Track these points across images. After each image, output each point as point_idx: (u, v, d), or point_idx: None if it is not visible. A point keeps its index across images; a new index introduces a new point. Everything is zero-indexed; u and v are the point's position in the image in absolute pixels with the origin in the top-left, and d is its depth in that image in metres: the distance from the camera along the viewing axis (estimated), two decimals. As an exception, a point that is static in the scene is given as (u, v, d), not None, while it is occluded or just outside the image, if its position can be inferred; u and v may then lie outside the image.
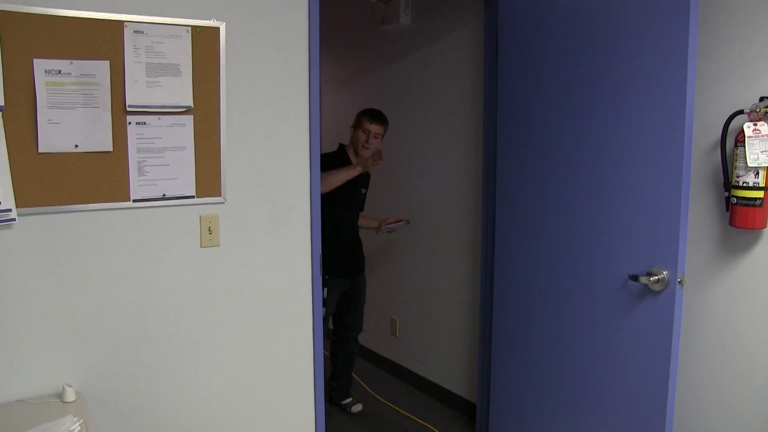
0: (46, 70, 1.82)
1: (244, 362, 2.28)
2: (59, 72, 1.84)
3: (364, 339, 3.93)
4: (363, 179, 3.51)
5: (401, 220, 3.57)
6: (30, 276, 1.88)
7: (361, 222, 3.57)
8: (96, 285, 1.98)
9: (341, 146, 3.43)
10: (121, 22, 1.91)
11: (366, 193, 3.54)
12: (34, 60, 1.80)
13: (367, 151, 3.35)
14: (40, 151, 1.84)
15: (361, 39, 4.30)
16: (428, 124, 3.74)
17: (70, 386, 1.87)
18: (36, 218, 1.87)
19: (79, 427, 1.66)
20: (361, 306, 3.62)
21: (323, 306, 3.28)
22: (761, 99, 2.15)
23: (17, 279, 1.86)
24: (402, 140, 3.93)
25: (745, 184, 2.13)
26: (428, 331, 3.88)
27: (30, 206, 1.85)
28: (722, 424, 2.37)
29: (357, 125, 3.37)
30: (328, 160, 3.28)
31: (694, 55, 2.05)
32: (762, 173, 2.11)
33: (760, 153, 2.09)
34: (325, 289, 3.27)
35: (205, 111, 2.08)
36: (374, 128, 3.32)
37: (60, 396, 1.87)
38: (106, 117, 1.92)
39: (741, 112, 2.17)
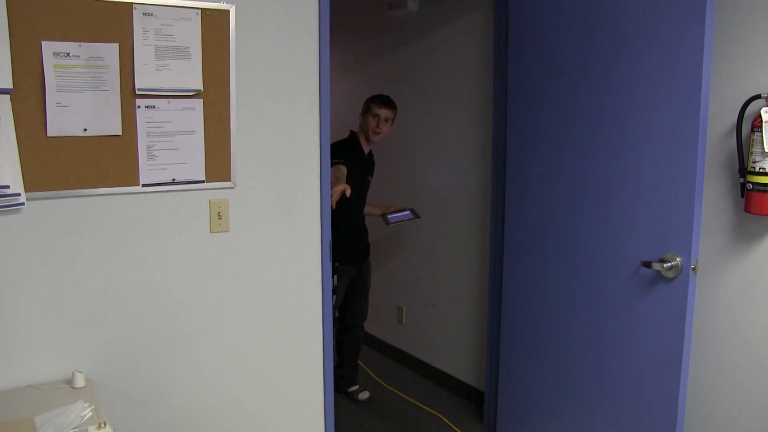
0: (54, 53, 1.79)
1: (254, 348, 2.27)
2: (68, 54, 1.81)
3: (369, 326, 3.92)
4: (370, 167, 3.50)
5: (405, 209, 3.56)
6: (39, 260, 1.87)
7: (366, 209, 3.56)
8: (105, 270, 1.97)
9: (352, 133, 3.42)
10: (130, 4, 1.88)
11: (370, 181, 3.53)
12: (42, 42, 1.78)
13: (378, 137, 3.35)
14: (48, 135, 1.82)
15: (368, 25, 4.27)
16: (436, 111, 3.71)
17: (80, 372, 1.86)
18: (45, 202, 1.85)
19: (90, 413, 1.65)
20: (367, 293, 3.61)
21: (334, 294, 3.27)
22: (778, 83, 2.12)
23: (26, 263, 1.85)
24: (409, 128, 3.90)
25: (761, 170, 2.11)
26: (435, 318, 3.87)
27: (39, 190, 1.83)
28: (736, 412, 2.35)
29: (366, 111, 3.37)
30: (341, 148, 3.26)
31: (710, 39, 2.02)
32: (778, 159, 2.09)
33: (777, 138, 2.07)
34: (335, 277, 3.26)
35: (215, 95, 2.06)
36: (384, 113, 3.32)
37: (70, 382, 1.86)
38: (115, 100, 1.90)
39: (758, 96, 2.14)
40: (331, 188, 2.78)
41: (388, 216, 3.52)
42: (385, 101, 3.35)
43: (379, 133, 3.34)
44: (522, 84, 2.76)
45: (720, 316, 2.37)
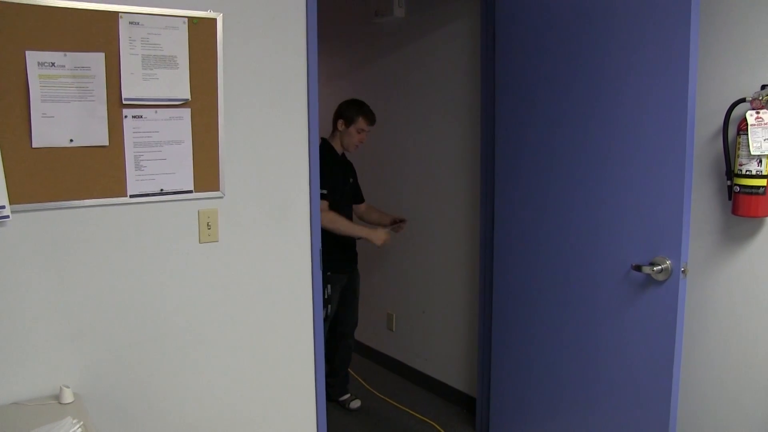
0: (39, 63, 1.77)
1: (244, 359, 2.25)
2: (53, 64, 1.79)
3: (359, 334, 3.90)
4: (348, 170, 3.46)
5: (402, 220, 3.58)
6: (24, 274, 1.84)
7: (373, 216, 3.58)
8: (93, 283, 1.94)
9: (324, 141, 3.31)
10: (116, 13, 1.86)
11: (354, 182, 3.51)
12: (27, 52, 1.75)
13: (357, 149, 3.34)
14: (34, 146, 1.79)
15: (355, 31, 4.27)
16: (424, 116, 3.71)
17: (68, 387, 1.83)
18: (30, 215, 1.82)
19: (80, 429, 1.62)
20: (357, 301, 3.60)
21: (328, 303, 3.25)
22: (763, 87, 2.14)
23: (11, 277, 1.82)
24: (398, 134, 3.91)
25: (748, 173, 2.12)
26: (425, 325, 3.86)
27: (24, 203, 1.80)
28: (726, 413, 2.36)
29: (350, 122, 3.27)
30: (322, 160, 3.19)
31: (696, 42, 2.04)
32: (765, 161, 2.11)
33: (762, 141, 2.09)
34: (329, 286, 3.24)
35: (202, 104, 2.04)
36: (370, 128, 3.32)
37: (57, 398, 1.83)
38: (102, 110, 1.88)
39: (743, 100, 2.16)
40: (369, 237, 3.19)
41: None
42: (371, 117, 3.30)
43: (359, 145, 3.33)
44: (510, 89, 2.77)
45: (709, 317, 2.39)
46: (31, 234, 1.83)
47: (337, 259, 3.20)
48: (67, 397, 1.81)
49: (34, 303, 1.86)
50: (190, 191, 2.06)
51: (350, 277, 3.48)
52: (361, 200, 3.61)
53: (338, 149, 3.35)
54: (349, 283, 3.48)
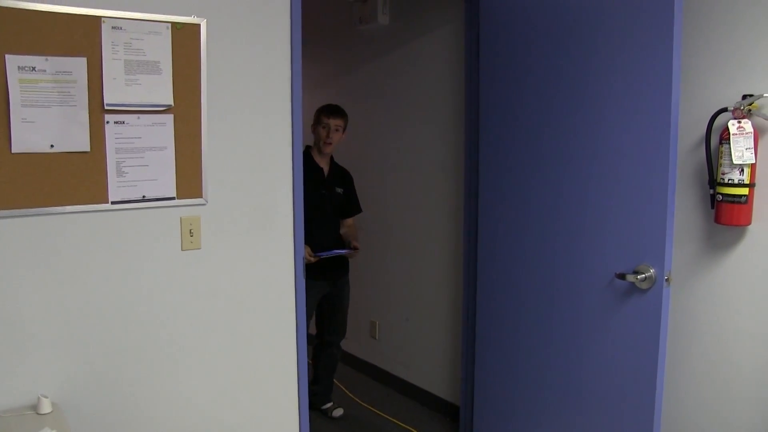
0: (19, 67, 1.74)
1: (226, 367, 2.22)
2: (33, 69, 1.76)
3: (342, 342, 3.87)
4: (334, 179, 3.43)
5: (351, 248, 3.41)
6: (2, 281, 1.80)
7: (351, 233, 3.50)
8: (73, 290, 1.91)
9: (307, 148, 3.35)
10: (98, 18, 1.84)
11: (345, 192, 3.47)
12: (6, 56, 1.73)
13: (329, 147, 3.32)
14: (13, 152, 1.77)
15: (339, 39, 4.27)
16: (408, 122, 3.72)
17: (46, 397, 1.79)
18: (9, 221, 1.79)
19: (58, 440, 1.59)
20: (345, 311, 3.56)
21: None
22: (744, 97, 2.16)
23: (-11, 285, 1.78)
24: (381, 141, 3.90)
25: (730, 181, 2.15)
26: (409, 333, 3.85)
27: (3, 209, 1.77)
28: (708, 422, 2.38)
29: (316, 123, 3.35)
30: None
31: (679, 52, 2.06)
32: (747, 170, 2.13)
33: (744, 150, 2.11)
34: None
35: (185, 110, 2.02)
36: (333, 122, 3.31)
37: (35, 408, 1.79)
38: (83, 116, 1.85)
39: (725, 109, 2.19)
40: None
41: (320, 253, 3.28)
42: (334, 110, 3.33)
43: (330, 143, 3.30)
44: (494, 95, 2.78)
45: (692, 325, 2.40)
46: (9, 241, 1.80)
47: (313, 265, 3.15)
48: (46, 407, 1.78)
49: (10, 311, 1.82)
50: (173, 198, 2.04)
51: (335, 285, 3.45)
52: (349, 214, 3.52)
53: (318, 157, 3.36)
54: (334, 291, 3.45)
